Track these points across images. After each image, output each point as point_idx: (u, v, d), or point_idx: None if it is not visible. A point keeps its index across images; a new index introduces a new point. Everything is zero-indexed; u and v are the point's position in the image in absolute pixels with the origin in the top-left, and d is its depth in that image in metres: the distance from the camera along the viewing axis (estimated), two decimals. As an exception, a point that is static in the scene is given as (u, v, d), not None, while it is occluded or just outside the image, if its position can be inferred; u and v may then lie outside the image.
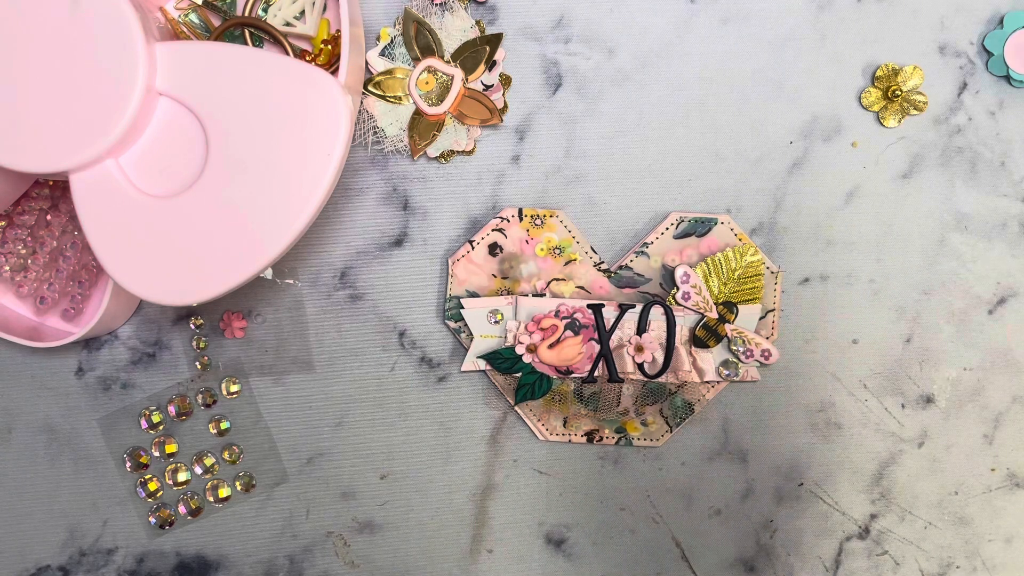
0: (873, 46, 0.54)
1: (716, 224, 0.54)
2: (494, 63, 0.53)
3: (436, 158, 0.54)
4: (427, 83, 0.52)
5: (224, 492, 0.56)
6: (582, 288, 0.54)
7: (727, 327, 0.53)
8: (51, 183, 0.53)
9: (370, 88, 0.52)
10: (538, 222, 0.53)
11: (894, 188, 0.55)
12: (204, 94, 0.42)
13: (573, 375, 0.53)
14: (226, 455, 0.56)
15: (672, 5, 0.54)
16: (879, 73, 0.54)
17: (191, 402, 0.55)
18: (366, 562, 0.57)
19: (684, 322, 0.53)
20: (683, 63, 0.54)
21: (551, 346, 0.52)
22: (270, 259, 0.42)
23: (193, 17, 0.52)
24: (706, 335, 0.53)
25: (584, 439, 0.55)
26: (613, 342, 0.53)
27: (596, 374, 0.53)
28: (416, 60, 0.52)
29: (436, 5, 0.52)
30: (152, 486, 0.55)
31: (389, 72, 0.52)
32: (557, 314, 0.53)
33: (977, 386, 0.56)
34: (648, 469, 0.56)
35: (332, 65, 0.52)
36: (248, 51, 0.43)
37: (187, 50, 0.43)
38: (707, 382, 0.54)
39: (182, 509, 0.56)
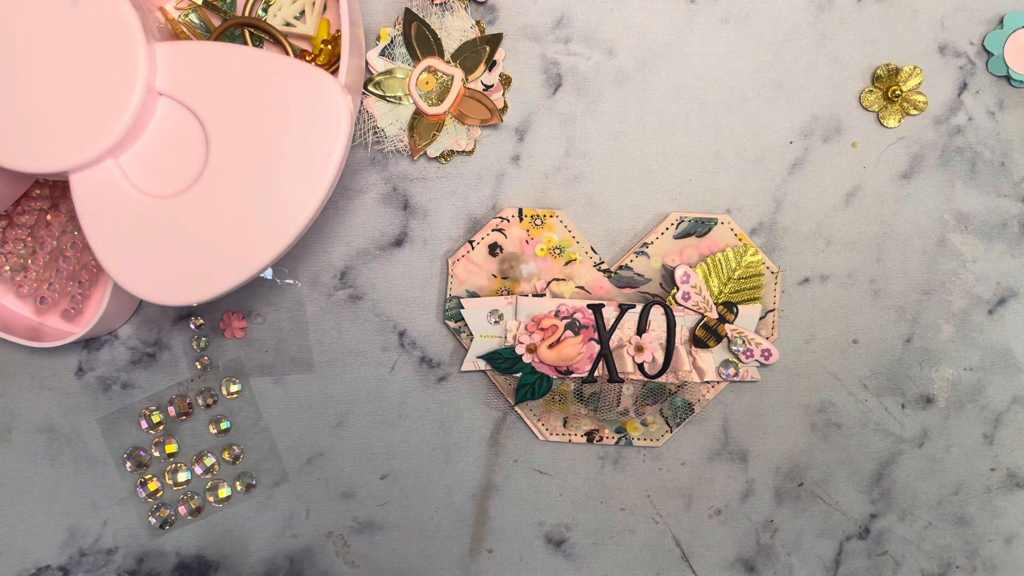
0: (873, 46, 0.54)
1: (716, 224, 0.54)
2: (494, 63, 0.53)
3: (436, 158, 0.54)
4: (427, 83, 0.52)
5: (224, 492, 0.56)
6: (582, 288, 0.54)
7: (727, 327, 0.53)
8: (51, 183, 0.53)
9: (370, 88, 0.52)
10: (538, 222, 0.53)
11: (894, 188, 0.55)
12: (204, 94, 0.42)
13: (573, 375, 0.53)
14: (226, 455, 0.56)
15: (672, 5, 0.54)
16: (879, 73, 0.54)
17: (191, 402, 0.55)
18: (366, 562, 0.57)
19: (684, 322, 0.53)
20: (683, 63, 0.54)
21: (551, 346, 0.52)
22: (270, 259, 0.42)
23: (193, 17, 0.52)
24: (706, 335, 0.53)
25: (584, 439, 0.55)
26: (613, 342, 0.53)
27: (596, 374, 0.54)
28: (416, 60, 0.52)
29: (436, 5, 0.52)
30: (152, 486, 0.55)
31: (389, 72, 0.52)
32: (557, 314, 0.53)
33: (977, 386, 0.56)
34: (648, 469, 0.56)
35: (332, 65, 0.52)
36: (248, 51, 0.43)
37: (187, 50, 0.43)
38: (707, 382, 0.54)
39: (182, 509, 0.56)
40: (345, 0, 0.46)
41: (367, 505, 0.56)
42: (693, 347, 0.53)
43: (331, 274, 0.55)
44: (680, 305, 0.53)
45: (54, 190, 0.53)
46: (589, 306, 0.53)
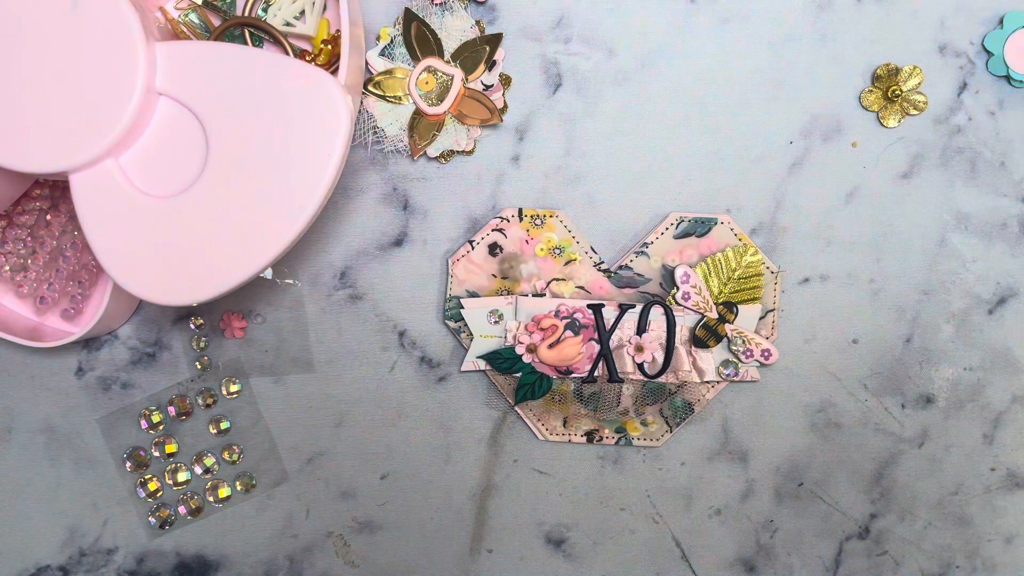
0: (873, 46, 0.54)
1: (716, 224, 0.54)
2: (494, 63, 0.53)
3: (436, 158, 0.54)
4: (427, 83, 0.52)
5: (224, 492, 0.56)
6: (582, 288, 0.54)
7: (727, 327, 0.53)
8: (51, 183, 0.53)
9: (370, 88, 0.52)
10: (538, 222, 0.53)
11: (894, 188, 0.55)
12: (204, 94, 0.42)
13: (573, 375, 0.53)
14: (226, 455, 0.56)
15: (672, 5, 0.54)
16: (879, 73, 0.54)
17: (191, 402, 0.55)
18: (366, 562, 0.57)
19: (684, 322, 0.53)
20: (683, 63, 0.54)
21: (551, 346, 0.52)
22: (270, 259, 0.42)
23: (193, 17, 0.52)
24: (706, 335, 0.53)
25: (584, 439, 0.55)
26: (613, 342, 0.53)
27: (596, 374, 0.53)
28: (416, 60, 0.52)
29: (436, 5, 0.52)
30: (152, 486, 0.55)
31: (389, 72, 0.52)
32: (557, 314, 0.53)
33: (977, 386, 0.56)
34: (648, 469, 0.56)
35: (332, 65, 0.52)
36: (248, 51, 0.43)
37: (187, 50, 0.43)
38: (707, 382, 0.54)
39: (182, 509, 0.56)
40: (345, 0, 0.46)
41: (367, 505, 0.56)
42: (693, 347, 0.53)
43: (331, 274, 0.55)
44: (680, 305, 0.53)
45: (54, 190, 0.53)
46: (589, 306, 0.53)
